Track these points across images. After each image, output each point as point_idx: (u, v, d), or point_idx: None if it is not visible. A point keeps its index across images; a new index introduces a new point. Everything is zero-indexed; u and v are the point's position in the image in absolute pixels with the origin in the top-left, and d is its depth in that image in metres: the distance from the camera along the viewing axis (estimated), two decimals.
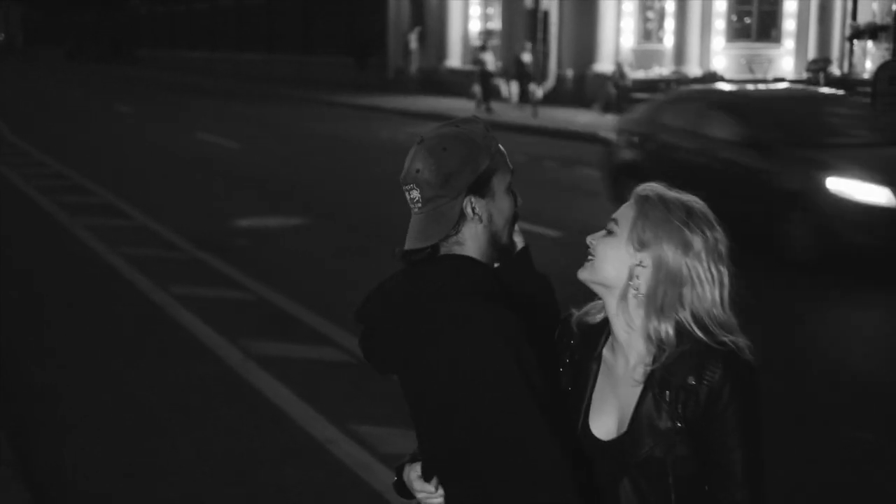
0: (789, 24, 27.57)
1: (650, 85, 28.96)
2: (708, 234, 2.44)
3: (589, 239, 2.53)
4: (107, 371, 7.93)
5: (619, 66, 28.92)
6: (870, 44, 25.78)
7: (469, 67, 37.49)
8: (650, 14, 31.56)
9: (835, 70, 26.21)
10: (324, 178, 18.42)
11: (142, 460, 6.31)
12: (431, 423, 2.50)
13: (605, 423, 2.50)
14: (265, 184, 17.71)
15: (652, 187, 2.50)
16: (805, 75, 26.57)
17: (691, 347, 2.40)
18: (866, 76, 24.46)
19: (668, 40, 30.02)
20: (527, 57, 30.26)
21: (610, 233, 2.49)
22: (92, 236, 12.69)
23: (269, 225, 13.55)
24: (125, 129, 26.78)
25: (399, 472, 2.64)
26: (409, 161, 2.51)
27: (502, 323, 2.36)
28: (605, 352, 2.55)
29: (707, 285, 2.42)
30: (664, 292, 2.42)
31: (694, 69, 28.49)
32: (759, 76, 27.26)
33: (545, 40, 30.79)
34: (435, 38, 39.42)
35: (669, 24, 29.95)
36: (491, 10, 37.93)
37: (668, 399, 2.40)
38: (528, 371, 2.34)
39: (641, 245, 2.44)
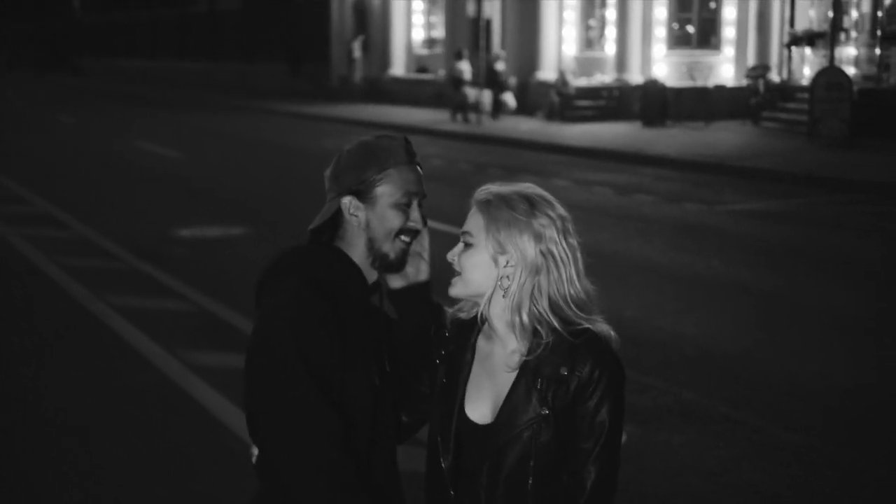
0: (729, 32, 27.87)
1: (593, 92, 29.16)
2: (552, 214, 2.56)
3: (449, 256, 2.64)
4: (41, 381, 7.83)
5: (561, 73, 29.07)
6: (808, 50, 26.12)
7: (413, 76, 37.56)
8: (592, 22, 31.77)
9: (774, 77, 26.53)
10: (266, 186, 18.33)
11: (76, 470, 6.22)
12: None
13: (480, 408, 2.63)
14: (206, 193, 17.59)
15: (488, 189, 2.61)
16: (745, 82, 26.88)
17: (563, 339, 2.54)
18: (804, 83, 24.78)
19: (610, 48, 30.23)
20: (500, 65, 29.94)
21: (468, 245, 2.60)
22: (29, 246, 12.53)
23: (209, 234, 13.45)
24: (67, 139, 26.52)
25: None
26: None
27: (297, 303, 2.58)
28: (480, 341, 2.68)
29: (563, 267, 2.56)
30: (524, 285, 2.54)
31: (636, 77, 28.71)
32: (700, 83, 27.53)
33: (488, 48, 30.86)
34: (378, 47, 39.43)
35: (611, 31, 30.15)
36: (434, 19, 37.99)
37: (539, 387, 2.53)
38: (307, 348, 2.55)
39: (501, 248, 2.56)
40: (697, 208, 15.33)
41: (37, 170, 20.36)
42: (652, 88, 26.98)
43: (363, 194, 2.71)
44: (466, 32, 33.63)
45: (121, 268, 11.49)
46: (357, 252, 2.73)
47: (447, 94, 31.28)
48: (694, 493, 5.92)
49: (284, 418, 2.54)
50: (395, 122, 28.88)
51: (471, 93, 29.25)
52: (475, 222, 2.59)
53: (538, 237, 2.54)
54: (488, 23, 32.70)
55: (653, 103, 26.67)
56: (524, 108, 30.40)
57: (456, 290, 2.63)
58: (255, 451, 2.66)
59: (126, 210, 15.63)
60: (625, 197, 16.40)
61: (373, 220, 2.70)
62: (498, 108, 29.80)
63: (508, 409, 2.56)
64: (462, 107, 29.33)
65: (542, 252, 2.53)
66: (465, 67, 29.77)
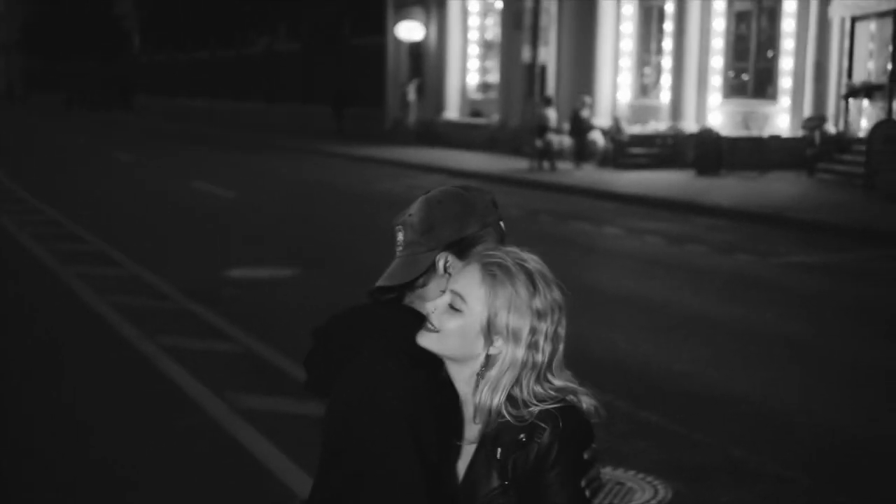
0: (785, 82, 27.70)
1: (647, 140, 29.07)
2: (551, 301, 2.42)
3: (430, 307, 2.46)
4: (89, 421, 7.85)
5: (616, 120, 29.02)
6: (865, 102, 25.90)
7: (467, 119, 37.68)
8: (647, 70, 31.75)
9: (830, 128, 26.32)
10: (319, 228, 18.40)
11: None
12: (321, 466, 2.47)
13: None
14: (259, 233, 17.69)
15: (496, 258, 2.44)
16: (801, 133, 26.69)
17: (522, 412, 2.40)
18: (861, 135, 24.56)
19: (665, 96, 30.16)
20: (586, 112, 28.92)
21: (455, 309, 2.42)
22: (82, 284, 12.63)
23: (260, 275, 13.49)
24: (123, 177, 26.82)
25: None
26: (408, 208, 2.59)
27: (411, 395, 2.35)
28: None
29: (545, 355, 2.41)
30: (505, 373, 2.40)
31: (690, 125, 28.61)
32: (755, 133, 27.37)
33: (542, 94, 30.89)
34: (433, 90, 39.62)
35: (666, 79, 30.11)
36: (489, 64, 38.14)
37: (498, 456, 2.40)
38: (423, 447, 2.33)
39: (495, 333, 2.41)
40: (751, 260, 15.16)
41: (92, 207, 20.58)
42: (707, 137, 26.85)
43: (461, 249, 2.49)
44: (521, 78, 33.72)
45: (172, 307, 11.55)
46: None
47: (527, 140, 30.56)
48: None
49: (386, 488, 2.34)
50: (451, 167, 28.92)
51: (555, 140, 28.89)
52: (472, 290, 2.42)
53: (532, 330, 2.40)
54: (543, 69, 32.78)
55: (707, 152, 26.53)
56: (578, 155, 30.36)
57: (428, 343, 2.43)
58: None
59: (178, 248, 15.74)
60: (677, 246, 16.27)
61: None
62: (582, 155, 28.89)
63: (468, 481, 2.45)
64: (547, 154, 28.39)
65: (531, 344, 2.40)
66: (551, 115, 29.05)
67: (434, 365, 2.45)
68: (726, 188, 23.42)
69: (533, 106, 30.52)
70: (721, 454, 7.20)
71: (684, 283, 13.27)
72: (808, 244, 16.83)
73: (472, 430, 2.46)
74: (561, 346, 2.45)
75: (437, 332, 2.42)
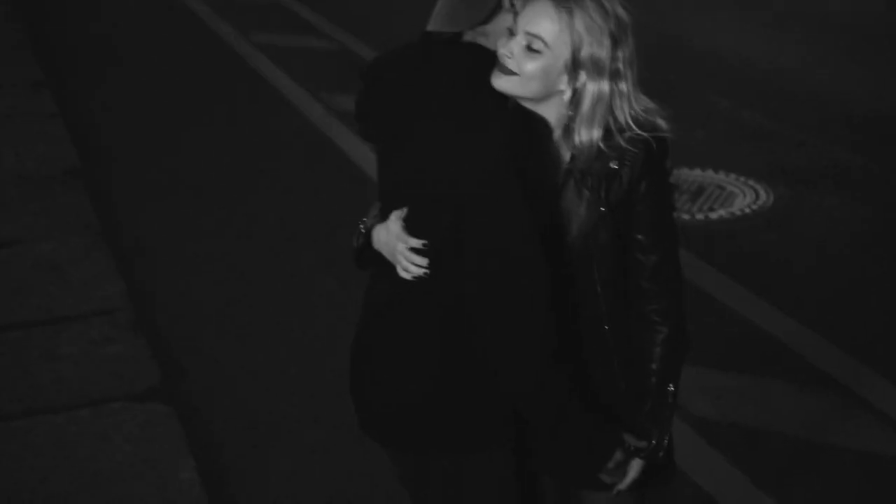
0: None
1: None
2: (621, 19, 2.31)
3: (505, 51, 2.30)
4: (181, 131, 7.89)
5: None
6: None
7: None
8: None
9: None
10: None
11: (223, 221, 6.33)
12: (418, 209, 2.35)
13: None
14: None
15: None
16: None
17: (612, 140, 2.35)
18: None
19: None
20: None
21: (534, 50, 2.29)
22: None
23: None
24: None
25: (367, 235, 2.48)
26: None
27: (507, 136, 2.25)
28: None
29: (629, 79, 2.34)
30: (598, 107, 2.33)
31: None
32: None
33: None
34: None
35: None
36: None
37: (590, 185, 2.37)
38: (527, 192, 2.25)
39: (580, 67, 2.30)
40: None
41: None
42: None
43: None
44: None
45: (262, 4, 11.38)
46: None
47: None
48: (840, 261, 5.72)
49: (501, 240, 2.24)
50: None
51: None
52: (550, 27, 2.28)
53: (613, 57, 2.31)
54: None
55: None
56: None
57: (509, 86, 2.31)
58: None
59: None
60: None
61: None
62: None
63: (562, 213, 2.40)
64: None
65: (614, 72, 2.31)
66: None
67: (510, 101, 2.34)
68: None
69: None
70: (826, 157, 7.02)
71: None
72: None
73: (561, 163, 2.40)
74: (635, 69, 2.37)
75: (517, 75, 2.30)
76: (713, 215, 6.17)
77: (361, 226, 2.53)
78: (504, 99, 2.32)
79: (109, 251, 5.79)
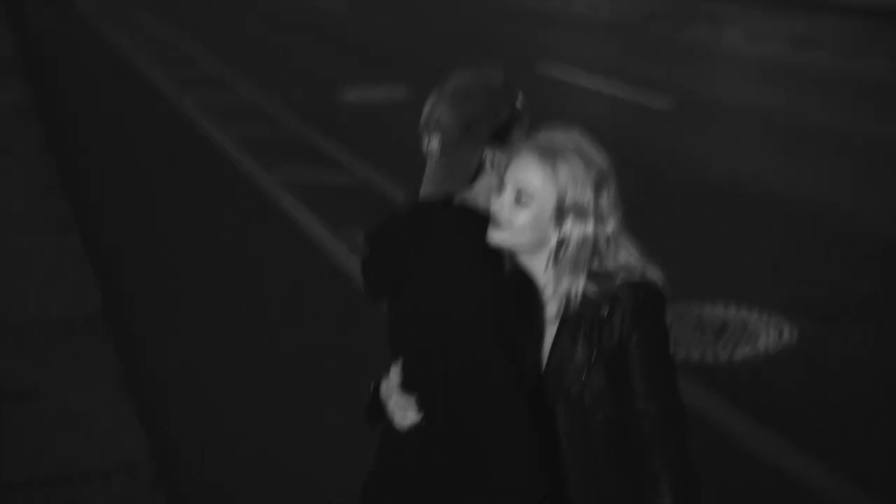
0: None
1: None
2: (601, 165, 2.43)
3: (496, 206, 2.45)
4: (197, 256, 7.95)
5: None
6: None
7: None
8: None
9: None
10: (434, 42, 18.09)
11: (247, 360, 6.31)
12: (413, 355, 2.48)
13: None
14: (368, 47, 17.46)
15: (544, 142, 2.44)
16: None
17: (602, 286, 2.43)
18: None
19: None
20: None
21: (522, 204, 2.43)
22: (194, 111, 12.67)
23: (375, 97, 13.34)
24: None
25: (376, 391, 2.58)
26: (428, 108, 2.51)
27: (490, 295, 2.40)
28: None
29: (613, 223, 2.44)
30: (583, 253, 2.43)
31: None
32: None
33: None
34: None
35: None
36: None
37: (582, 333, 2.43)
38: (508, 340, 2.39)
39: (565, 215, 2.42)
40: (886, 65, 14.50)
41: (203, 24, 20.57)
42: None
43: (501, 139, 2.47)
44: None
45: (285, 138, 11.53)
46: (489, 206, 2.48)
47: None
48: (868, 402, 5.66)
49: (478, 387, 2.38)
50: None
51: None
52: (534, 180, 2.42)
53: (597, 202, 2.42)
54: None
55: None
56: None
57: (502, 239, 2.45)
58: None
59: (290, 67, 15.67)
60: (801, 52, 15.61)
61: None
62: None
63: (555, 362, 2.46)
64: None
65: (599, 216, 2.42)
66: None
67: (502, 257, 2.48)
68: None
69: None
70: (850, 291, 6.99)
71: (810, 92, 12.77)
72: None
73: (551, 313, 2.48)
74: (619, 216, 2.47)
75: (509, 228, 2.43)
76: (737, 355, 6.12)
77: (372, 383, 2.61)
78: (498, 255, 2.46)
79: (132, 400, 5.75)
